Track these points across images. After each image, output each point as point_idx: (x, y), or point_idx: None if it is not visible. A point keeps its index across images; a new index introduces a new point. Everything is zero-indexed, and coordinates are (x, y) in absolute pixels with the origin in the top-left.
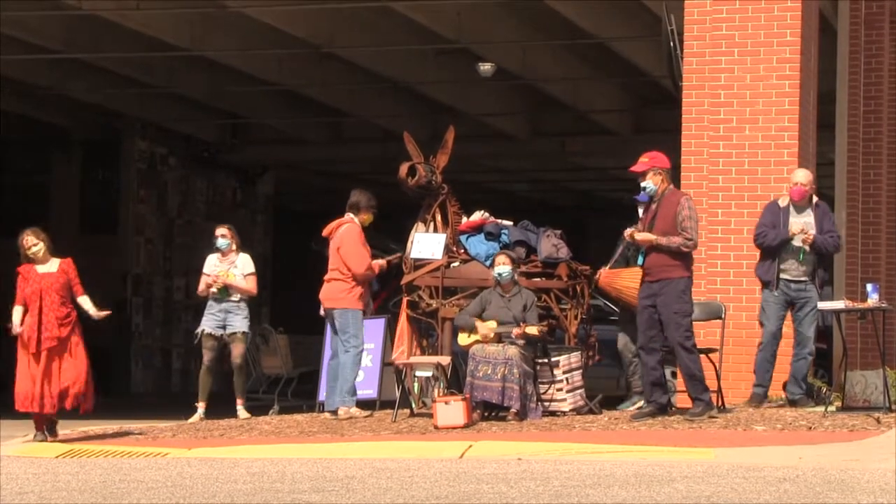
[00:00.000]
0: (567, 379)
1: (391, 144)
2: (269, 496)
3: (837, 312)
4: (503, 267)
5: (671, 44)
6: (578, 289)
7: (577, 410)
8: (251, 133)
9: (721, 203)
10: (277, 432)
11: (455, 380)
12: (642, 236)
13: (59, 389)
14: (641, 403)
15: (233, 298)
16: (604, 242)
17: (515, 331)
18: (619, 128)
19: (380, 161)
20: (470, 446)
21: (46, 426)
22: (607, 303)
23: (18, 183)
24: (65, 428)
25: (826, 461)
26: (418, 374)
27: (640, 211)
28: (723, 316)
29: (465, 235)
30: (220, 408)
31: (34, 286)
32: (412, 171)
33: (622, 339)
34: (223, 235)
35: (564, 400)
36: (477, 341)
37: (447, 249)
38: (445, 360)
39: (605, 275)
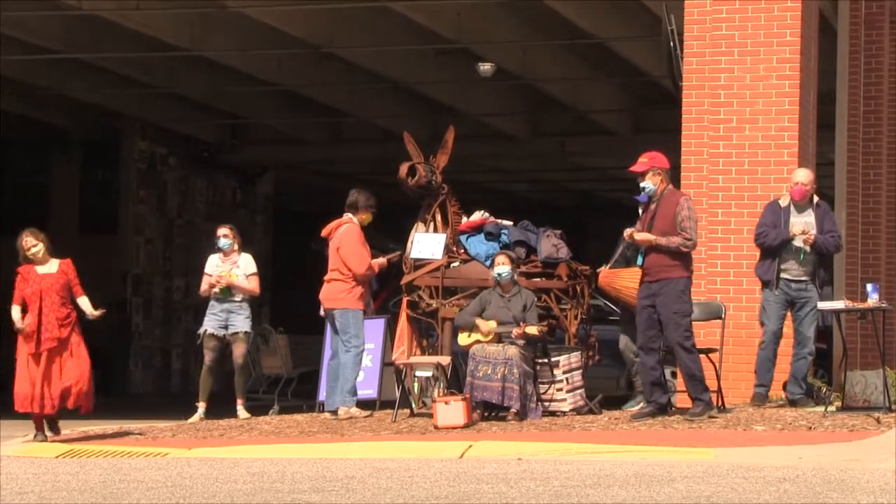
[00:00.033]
0: (567, 379)
1: (391, 144)
2: (269, 496)
3: (837, 312)
4: (503, 267)
5: (671, 44)
6: (578, 289)
7: (577, 410)
8: (251, 133)
9: (721, 203)
10: (277, 432)
11: (455, 380)
12: (641, 236)
13: (61, 389)
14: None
15: (235, 298)
16: (604, 242)
17: (515, 331)
18: (619, 128)
19: (379, 161)
20: (470, 446)
21: (49, 424)
22: (607, 303)
23: (18, 183)
24: (65, 428)
25: (826, 461)
26: (418, 374)
27: (641, 211)
28: (723, 316)
29: (465, 235)
30: (221, 408)
31: (34, 287)
32: (412, 171)
33: (623, 340)
34: (225, 235)
35: (564, 400)
36: (477, 341)
37: (447, 249)
38: (445, 360)
39: (604, 274)
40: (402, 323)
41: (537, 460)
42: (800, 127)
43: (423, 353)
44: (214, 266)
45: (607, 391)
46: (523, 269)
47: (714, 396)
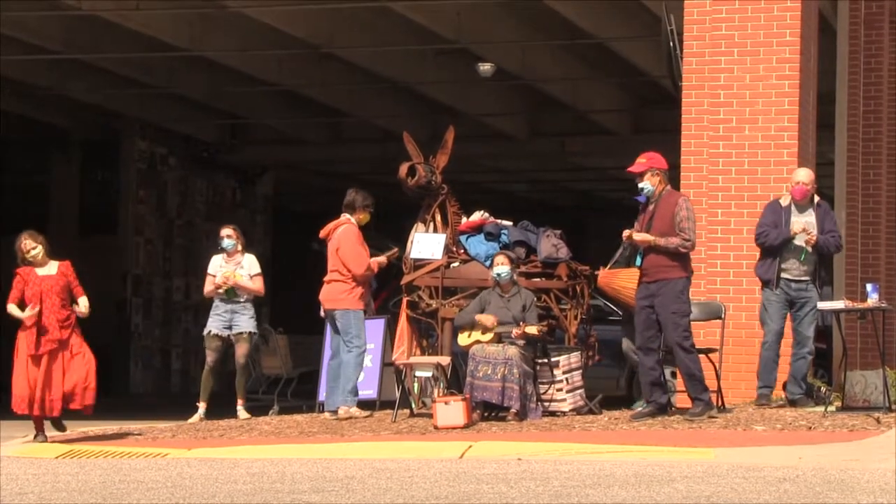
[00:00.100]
0: (567, 379)
1: (391, 145)
2: (269, 496)
3: (837, 312)
4: (502, 267)
5: (671, 44)
6: (578, 289)
7: (577, 410)
8: (250, 133)
9: (721, 203)
10: (277, 432)
11: (455, 380)
12: (640, 237)
13: (64, 391)
14: None
15: (239, 299)
16: (603, 242)
17: (515, 331)
18: (619, 128)
19: (379, 161)
20: (470, 446)
21: (53, 424)
22: (607, 303)
23: (18, 183)
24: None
25: (826, 461)
26: (418, 374)
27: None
28: (723, 316)
29: (465, 236)
30: (221, 408)
31: (34, 289)
32: (412, 172)
33: (626, 342)
34: (229, 236)
35: (564, 400)
36: (477, 341)
37: (447, 249)
38: (445, 360)
39: (603, 275)
40: (402, 323)
41: (537, 460)
42: (799, 127)
43: (423, 354)
44: (218, 266)
45: (607, 391)
46: (523, 269)
47: (714, 396)
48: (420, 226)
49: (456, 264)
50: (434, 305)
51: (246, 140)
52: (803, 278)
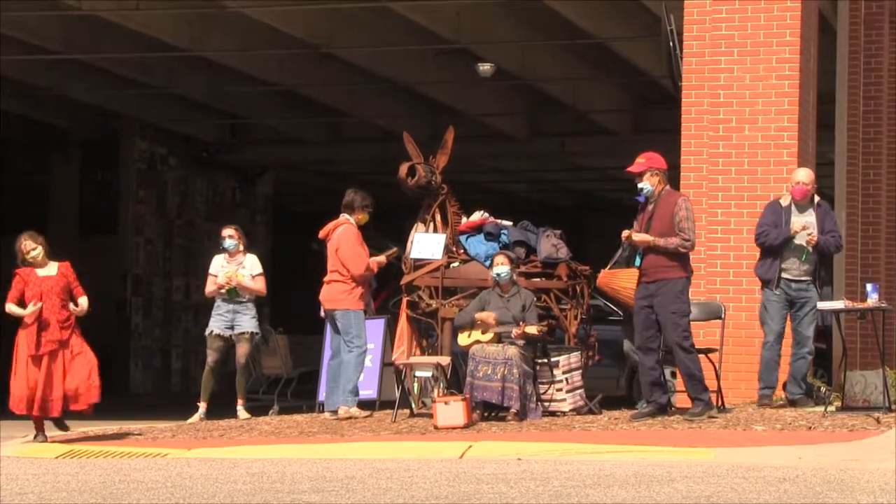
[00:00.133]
0: (567, 379)
1: (391, 145)
2: (269, 496)
3: (837, 312)
4: (502, 267)
5: (671, 44)
6: (578, 289)
7: (577, 410)
8: (250, 133)
9: (721, 203)
10: (277, 432)
11: (455, 380)
12: (640, 237)
13: (65, 391)
14: None
15: (241, 299)
16: (603, 242)
17: (515, 331)
18: (619, 128)
19: (379, 161)
20: (470, 446)
21: (55, 423)
22: (607, 303)
23: (18, 183)
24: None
25: (826, 461)
26: (418, 374)
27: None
28: (722, 316)
29: (465, 236)
30: (221, 408)
31: (34, 290)
32: (412, 172)
33: (627, 343)
34: (230, 236)
35: (564, 400)
36: (477, 341)
37: (447, 249)
38: (445, 360)
39: (602, 275)
40: (402, 323)
41: (537, 460)
42: (799, 127)
43: (422, 354)
44: (220, 267)
45: (607, 391)
46: (523, 269)
47: (714, 396)
48: (420, 226)
49: (456, 264)
50: (434, 305)
51: (246, 140)
52: (803, 278)
